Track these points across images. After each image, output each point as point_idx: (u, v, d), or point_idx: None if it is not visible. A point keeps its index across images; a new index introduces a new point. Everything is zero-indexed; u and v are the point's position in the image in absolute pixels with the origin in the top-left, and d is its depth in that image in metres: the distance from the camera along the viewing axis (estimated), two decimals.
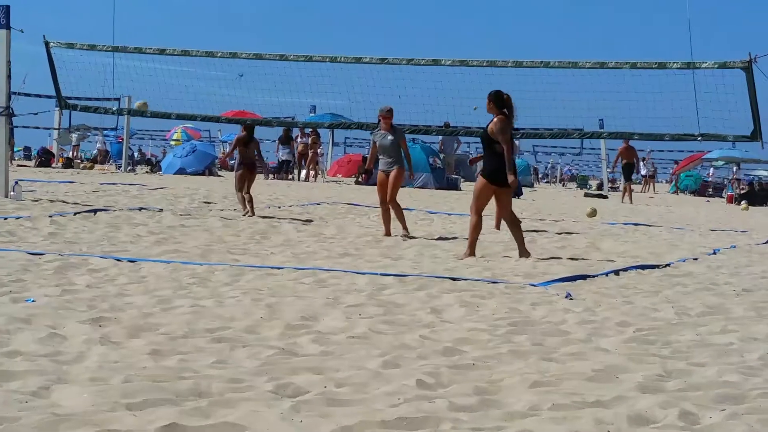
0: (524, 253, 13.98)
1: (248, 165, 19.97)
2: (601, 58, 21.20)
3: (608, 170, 50.47)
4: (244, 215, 18.91)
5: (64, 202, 19.95)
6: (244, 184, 19.58)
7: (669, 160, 72.75)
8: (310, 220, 18.75)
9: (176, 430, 5.03)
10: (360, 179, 39.07)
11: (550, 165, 79.76)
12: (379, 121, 17.03)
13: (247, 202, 19.32)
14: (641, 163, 61.48)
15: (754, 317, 9.40)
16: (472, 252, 13.84)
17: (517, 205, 28.44)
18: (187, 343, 7.08)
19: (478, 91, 23.08)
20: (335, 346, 7.24)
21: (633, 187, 39.20)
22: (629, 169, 38.37)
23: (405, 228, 16.50)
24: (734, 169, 53.67)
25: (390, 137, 16.81)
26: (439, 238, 16.68)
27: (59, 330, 7.29)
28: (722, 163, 53.19)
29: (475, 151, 67.73)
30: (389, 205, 16.64)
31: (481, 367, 6.76)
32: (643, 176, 59.77)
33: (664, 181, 77.12)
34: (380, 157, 16.99)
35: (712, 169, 61.27)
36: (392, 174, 16.69)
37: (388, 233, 16.56)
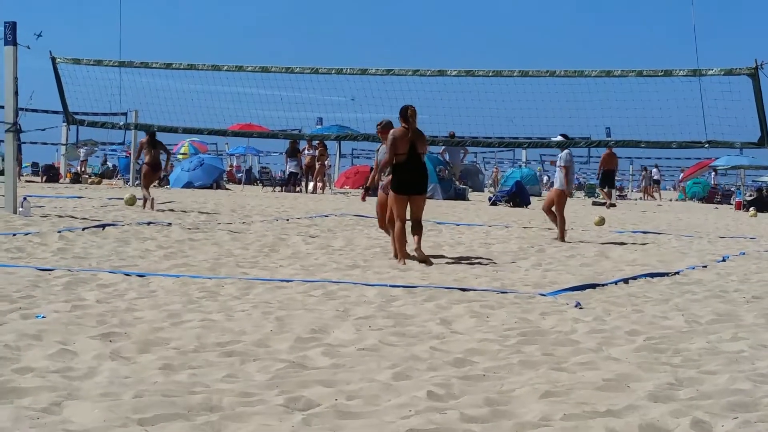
0: (422, 256, 14.17)
1: (152, 165, 24.40)
2: (607, 66, 21.21)
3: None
4: (143, 208, 22.98)
5: (72, 217, 19.98)
6: (148, 181, 24.18)
7: (675, 167, 72.78)
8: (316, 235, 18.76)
9: None
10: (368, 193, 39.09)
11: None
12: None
13: (148, 198, 23.48)
14: (654, 170, 61.67)
15: (765, 324, 9.38)
16: (403, 256, 14.25)
17: (525, 215, 28.47)
18: (198, 358, 7.09)
19: (484, 101, 23.15)
20: (345, 359, 7.23)
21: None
22: (609, 176, 38.75)
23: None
24: (741, 175, 53.56)
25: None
26: (444, 249, 16.65)
27: (69, 346, 7.30)
28: (727, 166, 53.06)
29: (482, 161, 67.89)
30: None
31: (491, 378, 6.76)
32: (654, 182, 59.99)
33: (671, 188, 76.99)
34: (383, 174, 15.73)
35: (713, 173, 61.22)
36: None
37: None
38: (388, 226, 15.23)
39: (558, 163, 19.71)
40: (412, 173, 14.44)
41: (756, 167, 53.43)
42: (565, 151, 19.59)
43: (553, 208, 19.44)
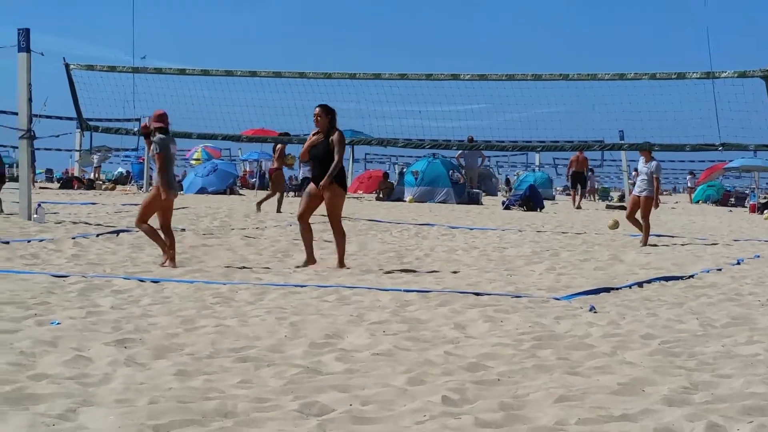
0: (342, 263, 13.92)
1: None
2: (620, 69, 21.19)
3: (629, 181, 50.34)
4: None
5: (86, 223, 20.03)
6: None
7: (682, 170, 72.63)
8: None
9: None
10: (381, 195, 39.11)
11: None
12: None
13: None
14: (691, 176, 61.78)
15: None
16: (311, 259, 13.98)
17: (538, 219, 28.44)
18: (212, 363, 7.09)
19: (498, 105, 23.15)
20: (360, 364, 7.23)
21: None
22: (578, 178, 39.12)
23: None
24: (755, 178, 53.44)
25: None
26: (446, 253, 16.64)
27: (84, 352, 7.31)
28: (740, 166, 53.01)
29: (495, 165, 67.84)
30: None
31: (506, 382, 6.75)
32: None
33: (684, 190, 76.83)
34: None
35: (721, 178, 61.23)
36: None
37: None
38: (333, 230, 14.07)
39: (648, 172, 19.80)
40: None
41: None
42: (656, 161, 19.87)
43: (638, 215, 19.82)
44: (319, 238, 18.38)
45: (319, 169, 13.88)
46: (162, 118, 13.54)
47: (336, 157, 13.76)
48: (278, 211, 26.32)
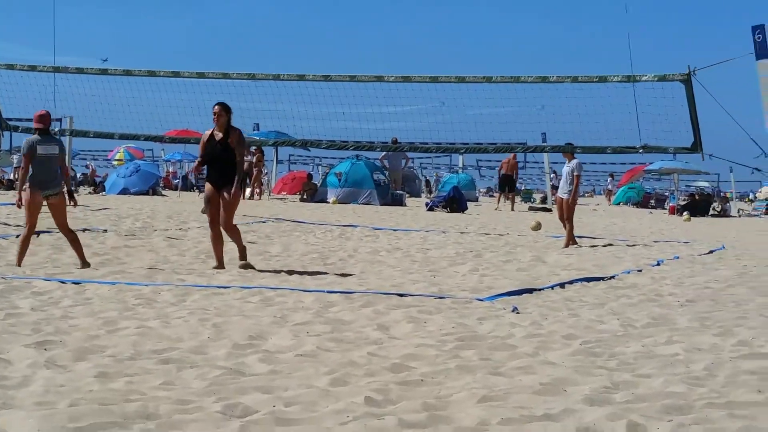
0: (244, 259, 13.68)
1: None
2: (543, 72, 21.40)
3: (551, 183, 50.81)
4: None
5: (5, 224, 19.74)
6: None
7: (603, 172, 73.28)
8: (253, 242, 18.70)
9: None
10: (304, 196, 39.06)
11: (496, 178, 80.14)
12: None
13: None
14: (611, 179, 62.54)
15: (699, 328, 9.48)
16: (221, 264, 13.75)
17: (462, 220, 28.57)
18: (134, 365, 7.04)
19: (421, 106, 23.24)
20: (283, 365, 7.22)
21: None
22: (507, 181, 39.75)
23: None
24: (675, 180, 54.20)
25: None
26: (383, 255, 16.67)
27: (3, 354, 7.21)
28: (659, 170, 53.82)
29: (419, 167, 67.99)
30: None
31: (429, 383, 6.77)
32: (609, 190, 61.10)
33: (603, 192, 77.62)
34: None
35: (641, 180, 62.12)
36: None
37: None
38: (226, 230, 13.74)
39: (572, 172, 19.88)
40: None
41: (689, 171, 54.06)
42: (577, 160, 19.93)
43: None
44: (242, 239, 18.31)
45: (218, 170, 13.49)
46: (41, 119, 13.38)
47: (239, 159, 13.51)
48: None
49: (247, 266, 13.54)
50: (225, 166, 13.44)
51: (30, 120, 27.95)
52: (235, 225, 13.74)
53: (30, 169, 13.12)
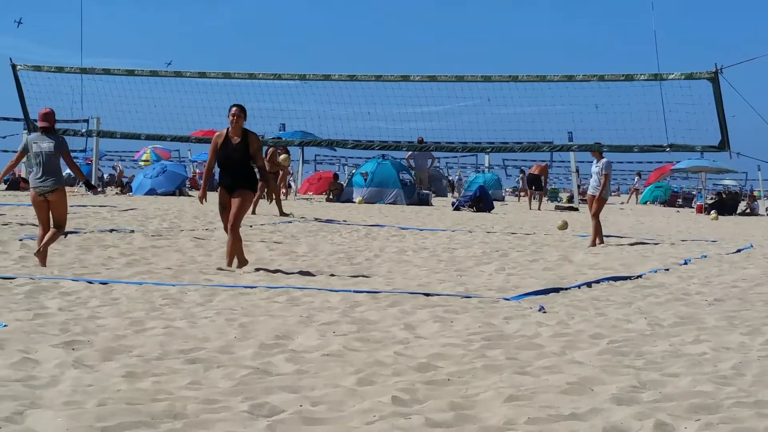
0: (243, 262, 13.51)
1: None
2: (569, 71, 21.34)
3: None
4: None
5: (34, 225, 19.81)
6: None
7: (630, 171, 72.95)
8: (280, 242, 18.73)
9: None
10: (331, 196, 39.09)
11: (520, 178, 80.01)
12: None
13: None
14: (638, 178, 62.38)
15: (726, 327, 9.45)
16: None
17: (488, 220, 28.52)
18: (161, 365, 7.06)
19: (447, 106, 23.24)
20: (310, 365, 7.22)
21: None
22: (534, 180, 39.83)
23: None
24: (702, 179, 53.97)
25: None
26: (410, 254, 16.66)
27: (32, 354, 7.25)
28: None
29: (445, 166, 67.96)
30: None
31: (456, 383, 6.77)
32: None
33: (629, 191, 77.37)
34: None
35: (668, 179, 61.90)
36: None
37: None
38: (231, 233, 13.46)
39: (601, 171, 19.84)
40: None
41: (716, 170, 53.81)
42: (606, 159, 19.89)
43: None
44: (268, 240, 18.34)
45: (232, 174, 13.33)
46: (45, 117, 13.41)
47: (261, 164, 13.43)
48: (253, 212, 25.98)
49: (235, 268, 13.34)
50: (240, 170, 13.29)
51: (57, 121, 28.14)
52: (239, 234, 13.53)
53: (33, 168, 13.22)
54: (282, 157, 29.05)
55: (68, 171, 17.52)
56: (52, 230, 13.30)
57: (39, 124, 13.38)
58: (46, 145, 13.14)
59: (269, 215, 25.25)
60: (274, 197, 26.61)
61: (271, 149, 27.67)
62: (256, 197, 26.61)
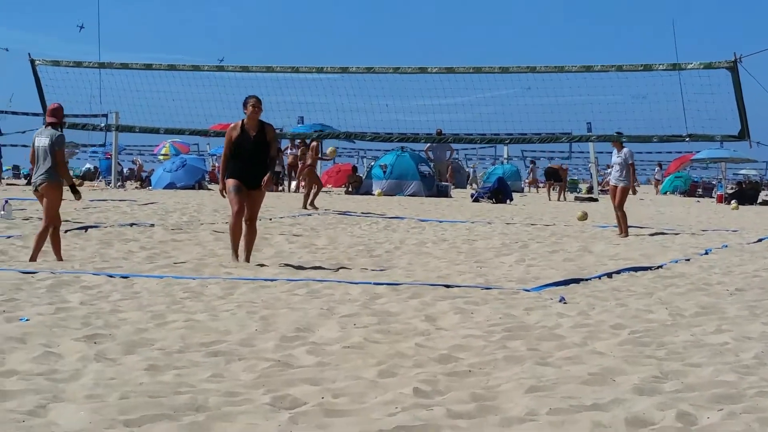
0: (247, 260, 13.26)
1: None
2: (587, 62, 21.29)
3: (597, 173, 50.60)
4: None
5: (65, 221, 19.87)
6: None
7: (649, 161, 72.71)
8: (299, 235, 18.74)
9: None
10: (350, 189, 39.11)
11: (530, 170, 79.85)
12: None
13: None
14: (659, 169, 62.34)
15: (748, 316, 9.42)
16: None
17: (507, 211, 28.50)
18: (183, 358, 7.07)
19: (465, 98, 23.22)
20: (331, 357, 7.23)
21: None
22: (552, 172, 40.07)
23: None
24: (722, 168, 53.81)
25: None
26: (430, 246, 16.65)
27: (54, 348, 7.27)
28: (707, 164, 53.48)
29: (464, 158, 67.87)
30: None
31: (477, 374, 6.76)
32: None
33: (650, 182, 77.09)
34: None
35: (688, 169, 61.69)
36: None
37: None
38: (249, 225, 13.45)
39: (625, 161, 19.83)
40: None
41: (736, 160, 53.63)
42: (627, 149, 19.90)
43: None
44: (288, 233, 18.37)
45: (251, 165, 13.18)
46: (52, 112, 13.40)
47: (273, 154, 13.31)
48: (311, 205, 25.92)
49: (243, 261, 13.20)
50: (259, 161, 13.21)
51: (76, 116, 28.21)
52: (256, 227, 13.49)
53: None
54: (329, 150, 29.07)
55: (88, 165, 17.55)
56: (44, 229, 13.21)
57: (46, 118, 13.41)
58: (44, 140, 13.13)
59: (290, 208, 25.26)
60: (314, 189, 26.53)
61: (314, 143, 27.71)
62: (307, 192, 26.69)
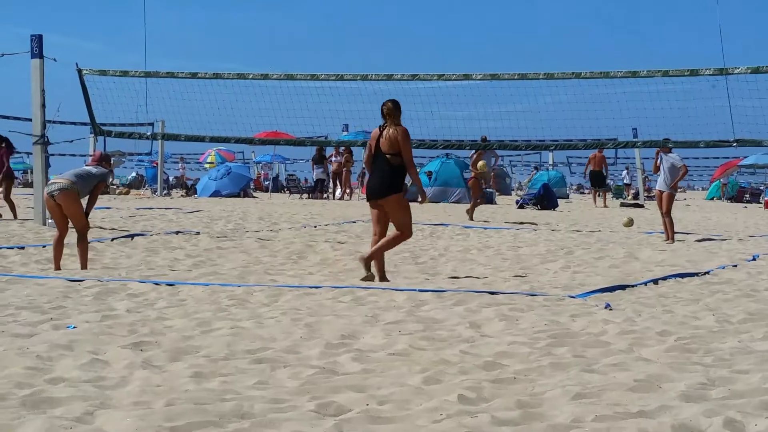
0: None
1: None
2: (632, 67, 21.17)
3: (642, 178, 50.31)
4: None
5: (101, 228, 20.05)
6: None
7: (703, 167, 72.34)
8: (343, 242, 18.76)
9: None
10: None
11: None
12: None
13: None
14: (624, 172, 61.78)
15: None
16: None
17: (552, 217, 28.40)
18: (228, 365, 7.10)
19: (509, 104, 23.17)
20: (376, 364, 7.23)
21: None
22: (596, 177, 39.23)
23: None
24: None
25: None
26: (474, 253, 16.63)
27: (101, 355, 7.33)
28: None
29: (509, 165, 67.69)
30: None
31: (522, 381, 6.74)
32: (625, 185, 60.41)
33: (701, 188, 76.62)
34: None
35: (735, 174, 61.08)
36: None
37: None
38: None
39: (670, 166, 19.82)
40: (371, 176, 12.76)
41: None
42: (674, 153, 19.93)
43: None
44: (333, 239, 18.40)
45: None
46: (94, 157, 14.12)
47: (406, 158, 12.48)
48: (471, 218, 26.18)
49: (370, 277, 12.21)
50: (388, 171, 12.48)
51: (123, 125, 28.38)
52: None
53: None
54: (480, 163, 29.12)
55: (134, 173, 17.80)
56: (82, 237, 13.47)
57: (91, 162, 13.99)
58: (94, 168, 13.63)
59: (341, 217, 25.27)
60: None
61: (478, 152, 27.98)
62: (473, 203, 27.02)
